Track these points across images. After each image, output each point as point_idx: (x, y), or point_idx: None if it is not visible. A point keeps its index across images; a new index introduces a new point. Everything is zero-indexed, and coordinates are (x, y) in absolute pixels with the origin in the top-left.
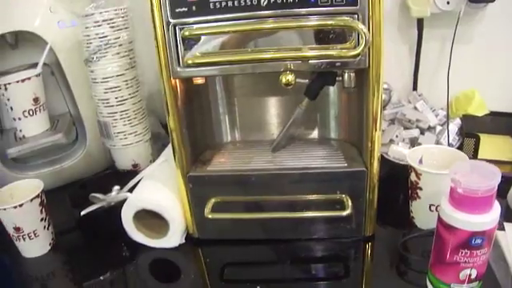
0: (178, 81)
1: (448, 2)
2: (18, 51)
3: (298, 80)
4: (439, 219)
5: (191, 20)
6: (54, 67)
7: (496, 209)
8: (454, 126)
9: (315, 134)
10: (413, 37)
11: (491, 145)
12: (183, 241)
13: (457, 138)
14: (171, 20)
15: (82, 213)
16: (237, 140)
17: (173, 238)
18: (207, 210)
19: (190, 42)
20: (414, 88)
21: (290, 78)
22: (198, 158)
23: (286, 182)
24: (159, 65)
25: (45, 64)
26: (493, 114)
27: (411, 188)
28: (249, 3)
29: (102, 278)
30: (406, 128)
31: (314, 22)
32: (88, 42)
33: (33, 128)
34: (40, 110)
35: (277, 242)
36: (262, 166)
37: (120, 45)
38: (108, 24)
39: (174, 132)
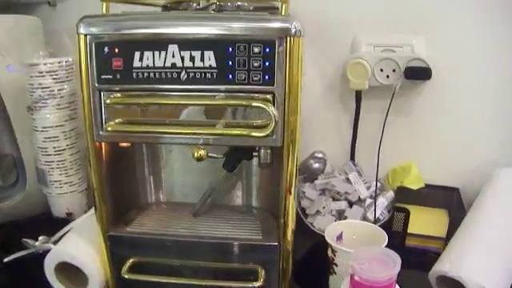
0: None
1: (388, 76)
2: None
3: (210, 154)
4: None
5: (116, 87)
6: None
7: None
8: (385, 199)
9: (239, 201)
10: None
11: (424, 219)
12: None
13: (385, 212)
14: (97, 85)
15: (5, 260)
16: (161, 201)
17: None
18: (124, 269)
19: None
20: (352, 158)
21: (202, 153)
22: (122, 216)
23: (200, 250)
24: (84, 126)
25: None
26: (428, 186)
27: (328, 262)
28: (169, 76)
29: None
30: (334, 199)
31: (227, 100)
32: (31, 90)
33: None
34: None
35: None
36: (179, 231)
37: (61, 96)
38: (51, 75)
39: (96, 191)
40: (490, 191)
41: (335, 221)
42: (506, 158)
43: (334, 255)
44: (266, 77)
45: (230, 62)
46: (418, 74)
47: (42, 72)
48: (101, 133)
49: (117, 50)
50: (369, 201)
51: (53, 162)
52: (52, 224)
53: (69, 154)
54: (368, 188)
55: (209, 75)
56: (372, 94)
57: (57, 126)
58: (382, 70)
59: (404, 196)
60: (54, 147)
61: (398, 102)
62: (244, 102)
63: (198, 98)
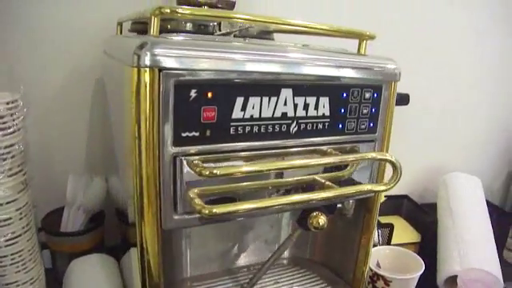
0: None
1: None
2: None
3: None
4: None
5: (200, 148)
6: None
7: None
8: None
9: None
10: None
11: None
12: None
13: (379, 231)
14: (172, 148)
15: None
16: (189, 276)
17: None
18: None
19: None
20: None
21: (322, 221)
22: None
23: None
24: (137, 212)
25: None
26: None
27: None
28: (277, 129)
29: None
30: None
31: (346, 156)
32: None
33: None
34: None
35: None
36: None
37: (13, 156)
38: None
39: None
40: (451, 195)
41: None
42: (445, 166)
43: (388, 285)
44: (371, 124)
45: (343, 110)
46: (400, 100)
47: None
48: (175, 217)
49: (210, 95)
50: None
51: (5, 256)
52: None
53: (26, 239)
54: None
55: (320, 126)
56: None
57: (8, 203)
58: None
59: None
60: (6, 235)
61: None
62: (373, 155)
63: (314, 158)
